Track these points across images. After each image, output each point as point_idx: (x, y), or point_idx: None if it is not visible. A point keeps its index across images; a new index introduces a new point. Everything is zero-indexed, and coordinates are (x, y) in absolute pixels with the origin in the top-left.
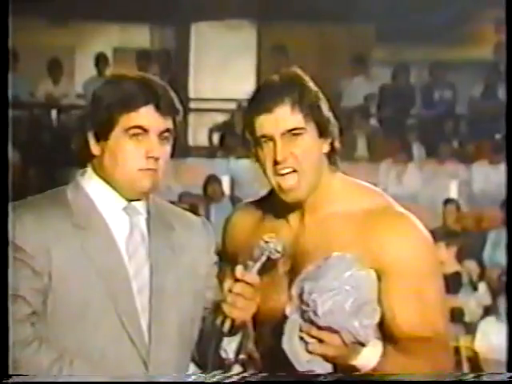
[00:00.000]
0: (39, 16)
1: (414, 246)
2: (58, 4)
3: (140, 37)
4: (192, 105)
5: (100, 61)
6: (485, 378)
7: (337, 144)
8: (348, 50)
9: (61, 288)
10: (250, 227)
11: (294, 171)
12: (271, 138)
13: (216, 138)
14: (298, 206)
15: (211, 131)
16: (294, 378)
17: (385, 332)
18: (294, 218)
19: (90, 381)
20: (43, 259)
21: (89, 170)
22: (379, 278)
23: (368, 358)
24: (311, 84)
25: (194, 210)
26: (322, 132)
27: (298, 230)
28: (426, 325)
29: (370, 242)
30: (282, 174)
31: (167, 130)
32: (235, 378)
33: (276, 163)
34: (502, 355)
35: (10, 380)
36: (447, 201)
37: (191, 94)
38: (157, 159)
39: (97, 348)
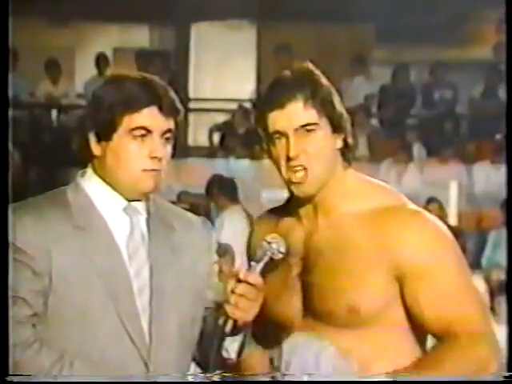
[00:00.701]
0: (39, 16)
1: (434, 241)
2: (58, 4)
3: (140, 37)
4: (192, 105)
5: (100, 61)
6: (484, 378)
7: (350, 140)
8: (348, 50)
9: (61, 289)
10: (266, 232)
11: (305, 168)
12: (284, 134)
13: (216, 138)
14: (309, 202)
15: (211, 131)
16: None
17: (420, 335)
18: (307, 217)
19: (90, 381)
20: (43, 260)
21: (89, 170)
22: (401, 281)
23: None
24: (323, 80)
25: (194, 209)
26: (336, 127)
27: (311, 229)
28: (462, 316)
29: (386, 240)
30: (294, 170)
31: (169, 131)
32: (238, 378)
33: (289, 159)
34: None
35: (11, 381)
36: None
37: (191, 94)
38: (160, 159)
39: (97, 348)
